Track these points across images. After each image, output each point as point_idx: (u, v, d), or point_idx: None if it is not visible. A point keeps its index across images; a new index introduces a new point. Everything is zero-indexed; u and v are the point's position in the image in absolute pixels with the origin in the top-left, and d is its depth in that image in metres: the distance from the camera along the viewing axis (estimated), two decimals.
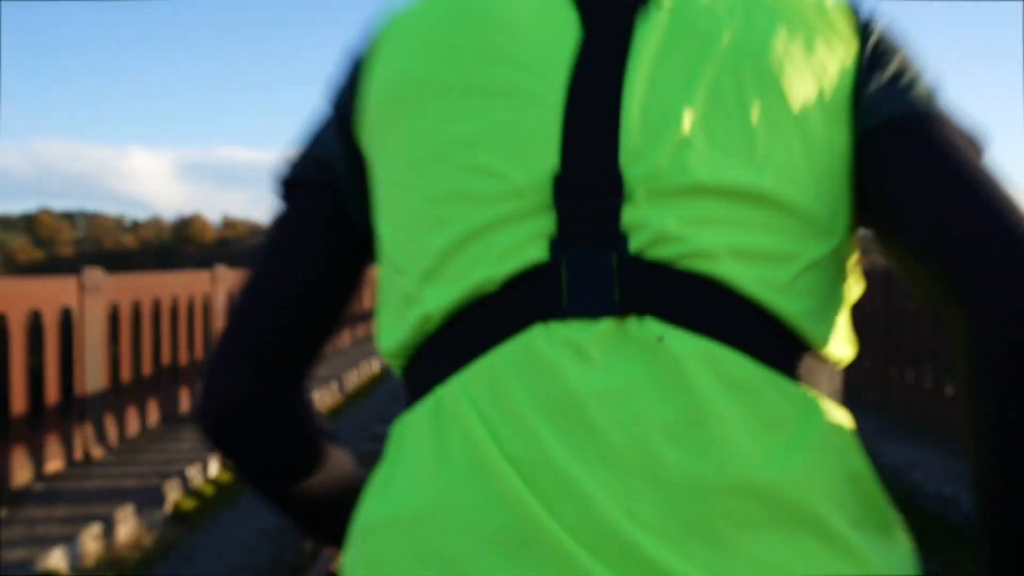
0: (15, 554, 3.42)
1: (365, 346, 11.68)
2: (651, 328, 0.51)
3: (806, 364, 0.54)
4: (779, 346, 0.53)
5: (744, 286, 0.52)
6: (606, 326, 0.51)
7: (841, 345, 0.58)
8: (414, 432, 0.56)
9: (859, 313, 6.33)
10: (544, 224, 0.53)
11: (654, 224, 0.52)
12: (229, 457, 0.70)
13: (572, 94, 0.54)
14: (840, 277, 0.58)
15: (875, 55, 0.58)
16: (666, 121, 0.53)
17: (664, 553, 0.45)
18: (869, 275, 7.54)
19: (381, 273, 0.63)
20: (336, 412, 7.58)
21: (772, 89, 0.55)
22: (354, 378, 9.07)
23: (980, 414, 0.50)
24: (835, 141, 0.56)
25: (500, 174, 0.54)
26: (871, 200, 0.57)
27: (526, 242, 0.53)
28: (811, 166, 0.54)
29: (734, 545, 0.46)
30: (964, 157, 0.54)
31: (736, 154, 0.53)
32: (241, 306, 0.67)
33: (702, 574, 0.45)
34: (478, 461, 0.50)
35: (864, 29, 0.59)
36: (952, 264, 0.52)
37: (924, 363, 6.35)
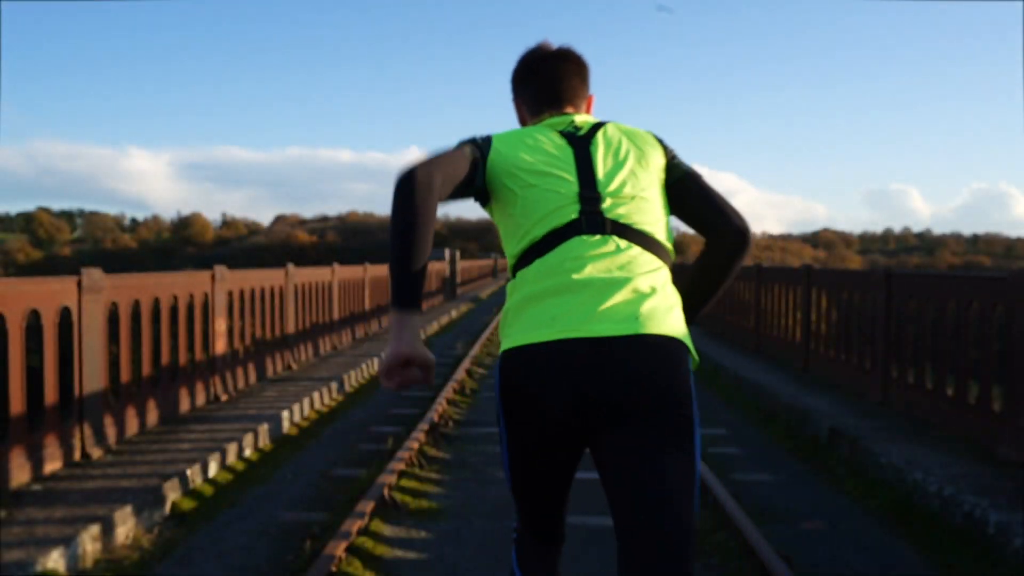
0: (14, 555, 3.42)
1: (365, 346, 11.69)
2: (612, 238, 1.76)
3: (662, 254, 1.80)
4: (654, 246, 1.79)
5: (641, 227, 1.79)
6: (598, 237, 1.75)
7: (671, 249, 1.83)
8: (526, 271, 1.76)
9: (859, 314, 6.33)
10: (576, 208, 1.77)
11: (611, 208, 1.79)
12: (408, 202, 1.65)
13: (578, 170, 1.82)
14: (669, 227, 1.86)
15: (670, 154, 1.93)
16: (611, 177, 1.82)
17: (616, 278, 1.71)
18: (869, 276, 7.54)
19: (504, 232, 1.85)
20: (336, 412, 7.58)
21: (644, 165, 1.87)
22: (354, 378, 9.07)
23: (713, 271, 1.96)
24: (661, 181, 1.89)
25: (561, 192, 1.79)
26: (682, 206, 1.92)
27: (570, 213, 1.77)
28: (656, 189, 1.86)
29: (637, 293, 1.69)
30: (709, 184, 1.93)
31: (634, 187, 1.82)
32: (440, 156, 1.74)
33: (631, 304, 1.68)
34: (549, 275, 1.73)
35: (663, 144, 1.94)
36: (714, 219, 1.92)
37: (924, 363, 6.35)
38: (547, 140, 1.85)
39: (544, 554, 2.01)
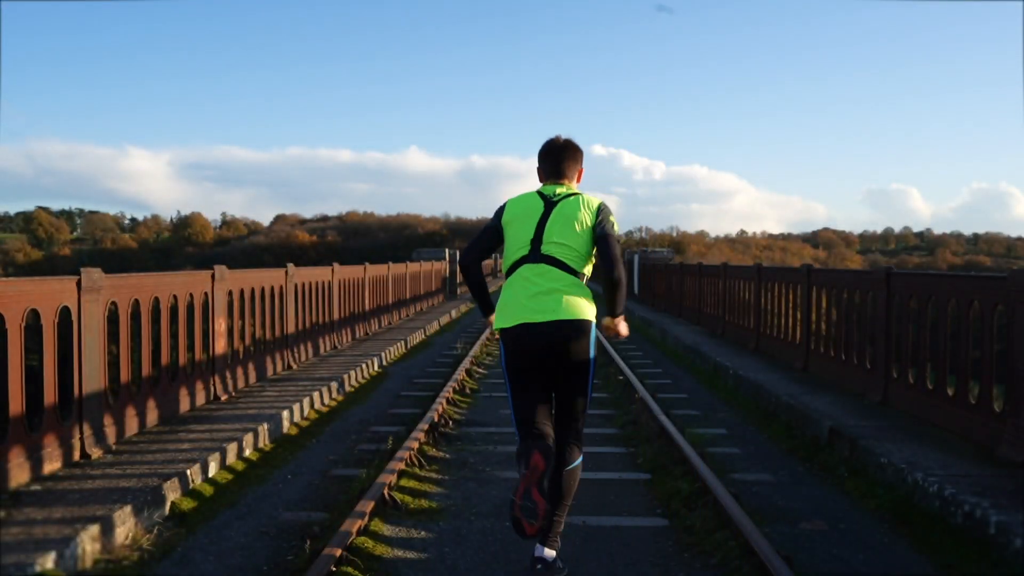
0: (13, 556, 3.41)
1: (365, 346, 11.69)
2: (543, 264, 3.51)
3: (575, 273, 3.52)
4: (568, 269, 3.51)
5: (561, 259, 3.51)
6: (539, 264, 3.52)
7: (587, 276, 3.58)
8: (508, 283, 3.58)
9: (859, 313, 6.32)
10: (528, 248, 3.56)
11: (547, 248, 3.53)
12: (466, 276, 3.84)
13: (537, 225, 3.58)
14: (590, 264, 3.60)
15: (599, 219, 3.57)
16: (551, 230, 3.55)
17: (544, 288, 3.48)
18: (869, 275, 7.54)
19: (505, 256, 3.65)
20: (336, 412, 7.57)
21: (579, 223, 3.54)
22: (354, 378, 9.07)
23: (607, 292, 3.51)
24: (590, 237, 3.55)
25: (524, 238, 3.58)
26: (596, 254, 3.59)
27: (524, 250, 3.58)
28: (581, 238, 3.54)
29: (555, 295, 3.46)
30: (612, 245, 3.55)
31: (561, 237, 3.52)
32: (474, 241, 3.77)
33: (553, 303, 3.45)
34: (515, 289, 3.54)
35: (600, 211, 3.60)
36: (604, 267, 3.50)
37: (924, 363, 6.35)
38: (534, 203, 3.59)
39: (536, 437, 3.37)
